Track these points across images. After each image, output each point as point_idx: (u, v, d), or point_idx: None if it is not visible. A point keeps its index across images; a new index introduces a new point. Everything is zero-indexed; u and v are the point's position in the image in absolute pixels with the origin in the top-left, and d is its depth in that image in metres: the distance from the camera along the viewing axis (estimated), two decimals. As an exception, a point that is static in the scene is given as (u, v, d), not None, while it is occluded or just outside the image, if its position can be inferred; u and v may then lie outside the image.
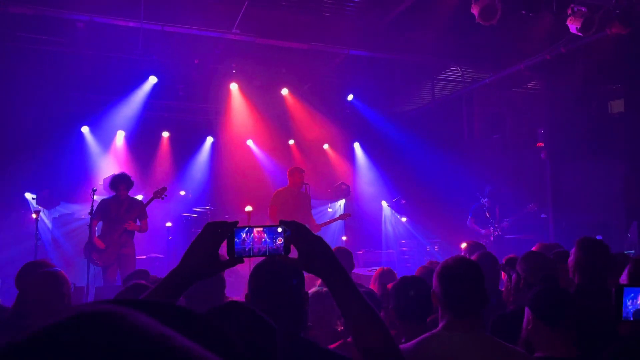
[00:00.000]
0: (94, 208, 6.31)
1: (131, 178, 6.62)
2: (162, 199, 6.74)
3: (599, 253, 2.88)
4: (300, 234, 1.31)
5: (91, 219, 6.30)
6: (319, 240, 1.32)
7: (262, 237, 1.34)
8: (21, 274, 3.23)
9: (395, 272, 4.24)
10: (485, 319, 2.51)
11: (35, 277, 2.88)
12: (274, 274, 1.81)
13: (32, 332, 0.40)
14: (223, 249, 1.31)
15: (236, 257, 1.32)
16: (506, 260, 3.64)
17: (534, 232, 9.00)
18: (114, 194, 6.52)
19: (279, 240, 1.34)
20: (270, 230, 1.34)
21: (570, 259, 2.96)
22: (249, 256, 1.34)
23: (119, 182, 6.47)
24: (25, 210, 8.58)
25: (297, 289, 1.83)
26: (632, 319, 1.45)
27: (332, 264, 1.30)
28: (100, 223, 6.54)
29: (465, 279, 1.95)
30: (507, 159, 10.39)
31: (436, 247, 10.07)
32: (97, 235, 6.43)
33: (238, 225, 1.33)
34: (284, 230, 1.34)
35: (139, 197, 9.33)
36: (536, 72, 9.49)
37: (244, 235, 1.34)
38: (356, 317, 1.27)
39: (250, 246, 1.33)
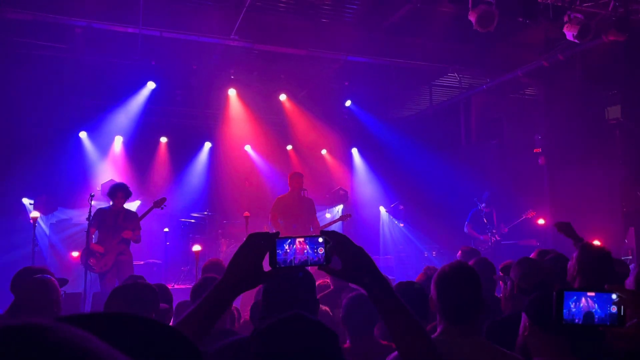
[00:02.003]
0: (92, 214, 6.32)
1: (130, 189, 6.65)
2: (162, 209, 6.78)
3: (601, 258, 2.92)
4: (344, 245, 1.32)
5: (88, 226, 6.30)
6: (362, 251, 1.33)
7: (305, 248, 1.35)
8: (16, 279, 3.23)
9: (392, 278, 4.25)
10: (483, 325, 2.51)
11: (26, 284, 2.88)
12: (286, 280, 1.84)
13: None
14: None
15: (279, 268, 1.33)
16: (503, 267, 3.64)
17: (532, 237, 9.00)
18: (111, 203, 6.54)
19: (320, 250, 1.34)
20: (312, 240, 1.35)
21: (572, 262, 2.99)
22: (292, 267, 1.35)
23: (118, 190, 6.51)
24: (22, 216, 8.56)
25: (308, 296, 1.87)
26: (577, 322, 1.46)
27: (376, 274, 1.31)
28: (97, 232, 6.55)
29: (461, 286, 1.97)
30: (505, 164, 10.41)
31: (434, 252, 10.07)
32: (94, 242, 6.43)
33: (280, 236, 1.35)
34: (325, 241, 1.34)
35: (137, 203, 9.43)
36: (533, 78, 9.53)
37: (286, 247, 1.34)
38: (400, 327, 1.29)
39: (293, 257, 1.34)
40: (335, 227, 9.62)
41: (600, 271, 2.86)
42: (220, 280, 1.31)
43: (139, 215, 6.66)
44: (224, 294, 1.29)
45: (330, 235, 1.33)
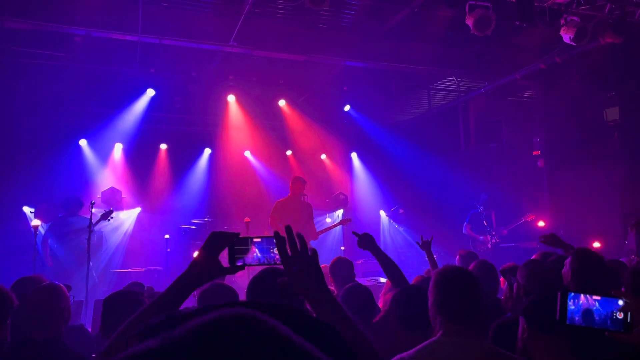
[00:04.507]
0: (92, 222, 6.51)
1: (81, 199, 7.44)
2: (109, 220, 7.06)
3: (594, 263, 2.93)
4: (298, 251, 1.38)
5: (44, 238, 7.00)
6: (312, 263, 1.38)
7: (255, 250, 1.44)
8: (14, 289, 3.22)
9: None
10: (486, 326, 2.52)
11: (34, 291, 2.88)
12: (272, 282, 1.87)
13: (183, 330, 0.46)
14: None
15: (237, 265, 1.42)
16: (509, 268, 3.65)
17: (532, 240, 9.01)
18: (64, 213, 7.15)
19: (275, 250, 1.41)
20: (268, 241, 1.43)
21: (566, 269, 3.00)
22: (248, 265, 1.44)
23: (72, 203, 7.15)
24: (23, 224, 8.56)
25: (294, 298, 1.88)
26: (577, 320, 1.46)
27: (320, 284, 1.37)
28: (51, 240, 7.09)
29: (460, 287, 1.99)
30: (504, 167, 10.43)
31: (434, 256, 10.05)
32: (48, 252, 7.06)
33: (239, 236, 1.43)
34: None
35: (138, 210, 9.50)
36: (531, 81, 9.57)
37: (245, 246, 1.43)
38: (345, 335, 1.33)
39: (251, 256, 1.43)
40: (336, 231, 9.64)
41: (593, 277, 2.87)
42: (182, 273, 1.40)
43: (93, 223, 6.86)
44: (185, 286, 1.39)
45: (278, 238, 1.37)
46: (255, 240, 1.44)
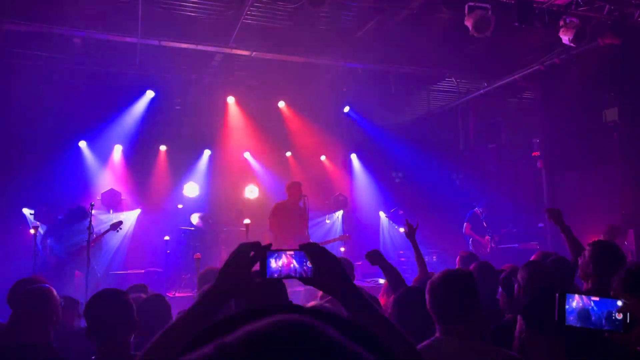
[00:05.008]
0: (92, 228, 6.62)
1: (85, 208, 7.45)
2: (117, 231, 7.15)
3: (614, 251, 2.95)
4: (315, 253, 1.33)
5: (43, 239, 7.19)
6: (332, 259, 1.34)
7: (292, 261, 1.36)
8: (12, 292, 3.22)
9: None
10: (484, 326, 2.53)
11: (23, 295, 2.87)
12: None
13: (238, 337, 0.45)
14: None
15: (268, 279, 1.35)
16: (506, 273, 3.65)
17: (531, 241, 9.02)
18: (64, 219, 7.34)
19: (308, 264, 1.35)
20: (300, 253, 1.36)
21: (584, 260, 2.98)
22: (280, 278, 1.36)
23: (76, 214, 7.26)
24: (23, 226, 8.57)
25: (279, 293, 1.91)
26: (571, 320, 1.46)
27: (344, 282, 1.31)
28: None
29: (453, 288, 2.02)
30: (503, 168, 10.45)
31: (434, 257, 10.06)
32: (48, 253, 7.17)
33: (270, 249, 1.36)
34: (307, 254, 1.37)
35: (137, 211, 9.52)
36: (530, 82, 9.58)
37: (275, 259, 1.36)
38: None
39: (281, 269, 1.36)
40: (336, 231, 9.65)
41: (614, 265, 2.87)
42: (210, 288, 1.30)
43: (99, 234, 7.07)
44: (213, 302, 1.28)
45: (304, 247, 1.34)
46: (288, 252, 1.37)
